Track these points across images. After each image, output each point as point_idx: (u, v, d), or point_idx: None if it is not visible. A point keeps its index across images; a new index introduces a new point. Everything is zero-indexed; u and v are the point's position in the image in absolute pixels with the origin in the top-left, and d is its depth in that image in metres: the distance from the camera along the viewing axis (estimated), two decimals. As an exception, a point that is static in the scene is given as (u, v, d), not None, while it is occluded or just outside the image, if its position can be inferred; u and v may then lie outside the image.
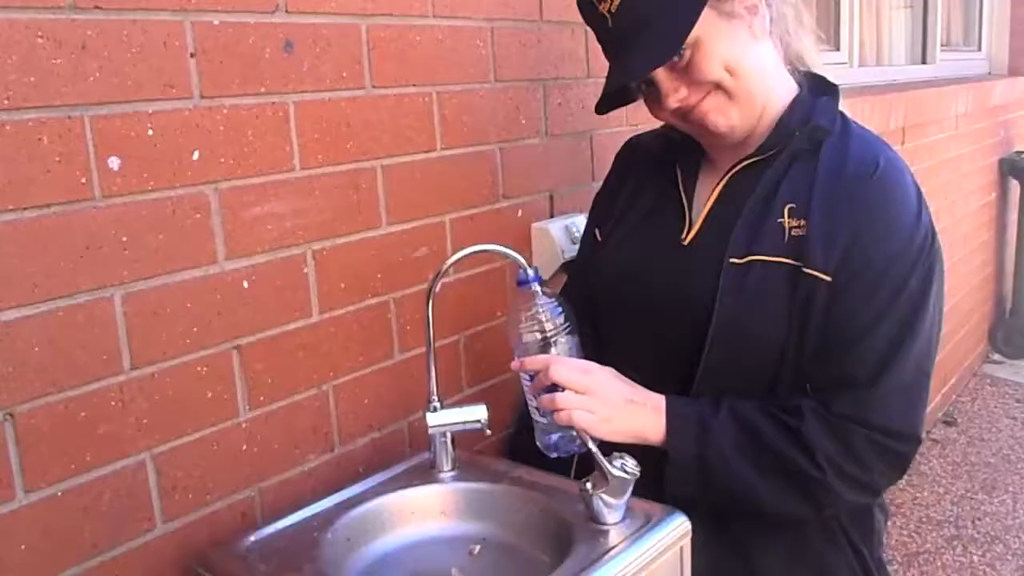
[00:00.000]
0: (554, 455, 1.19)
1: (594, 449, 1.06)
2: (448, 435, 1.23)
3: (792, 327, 1.13)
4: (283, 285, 1.21)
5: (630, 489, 1.06)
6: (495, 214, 1.53)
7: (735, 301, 1.15)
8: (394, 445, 1.40)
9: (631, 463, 1.05)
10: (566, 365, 1.13)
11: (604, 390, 1.14)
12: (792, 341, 1.13)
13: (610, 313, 1.32)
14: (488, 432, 1.21)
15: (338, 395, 1.30)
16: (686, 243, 1.23)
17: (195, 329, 1.12)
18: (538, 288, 1.16)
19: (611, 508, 1.06)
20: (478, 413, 1.22)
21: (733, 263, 1.15)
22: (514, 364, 1.17)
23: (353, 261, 1.30)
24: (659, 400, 1.17)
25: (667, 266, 1.24)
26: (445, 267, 1.18)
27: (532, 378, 1.15)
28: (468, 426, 1.22)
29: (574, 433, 1.13)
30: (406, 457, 1.30)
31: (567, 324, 1.16)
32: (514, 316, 1.17)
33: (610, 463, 1.05)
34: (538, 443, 1.18)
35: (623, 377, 1.18)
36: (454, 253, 1.42)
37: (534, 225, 1.60)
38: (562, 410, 1.11)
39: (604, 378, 1.16)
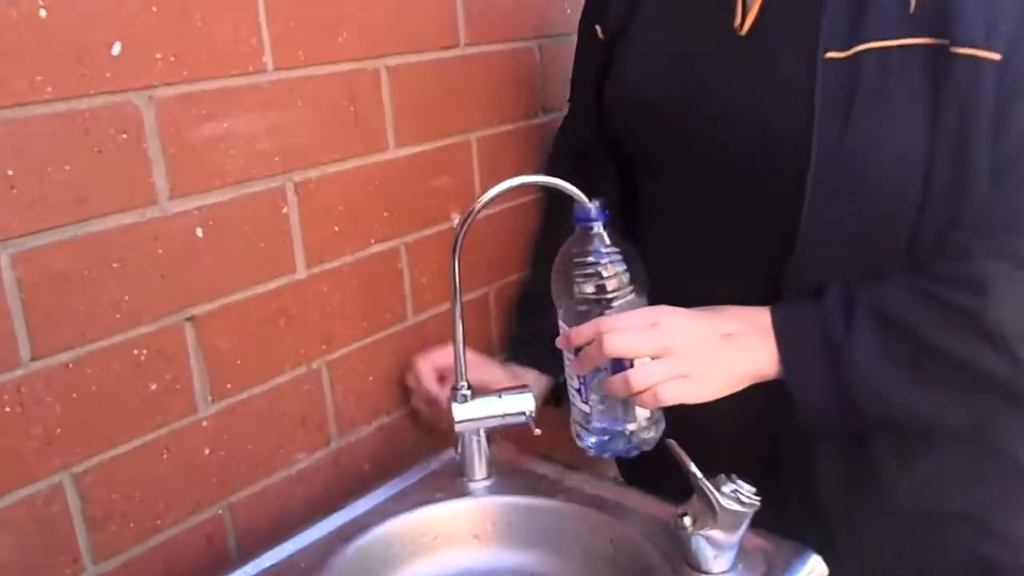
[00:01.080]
0: (595, 454, 0.87)
1: (695, 472, 0.74)
2: (482, 433, 0.91)
3: (940, 145, 0.77)
4: (254, 232, 0.88)
5: (746, 525, 0.74)
6: (534, 131, 1.18)
7: (842, 116, 0.78)
8: (407, 431, 1.09)
9: (747, 490, 0.74)
10: (624, 325, 0.80)
11: (687, 338, 0.80)
12: (940, 168, 0.77)
13: (634, 162, 0.98)
14: (537, 431, 0.89)
15: (334, 373, 0.99)
16: (744, 32, 0.86)
17: (127, 298, 0.79)
18: (602, 230, 0.82)
19: (718, 551, 0.75)
20: (521, 403, 0.91)
21: (832, 58, 0.79)
22: (560, 341, 0.84)
23: (350, 196, 0.97)
24: (761, 318, 0.83)
25: (720, 67, 0.87)
26: (477, 207, 0.85)
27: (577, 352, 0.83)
28: (508, 420, 0.91)
29: (634, 427, 0.82)
30: (424, 456, 0.99)
31: (632, 286, 0.84)
32: (562, 268, 0.84)
33: (717, 488, 0.74)
34: (578, 439, 0.87)
35: (688, 311, 0.84)
36: (481, 182, 1.10)
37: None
38: (644, 391, 0.79)
39: (678, 322, 0.81)
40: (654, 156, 0.95)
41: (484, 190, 1.08)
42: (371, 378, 1.03)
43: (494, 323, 1.19)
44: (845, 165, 0.79)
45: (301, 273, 0.94)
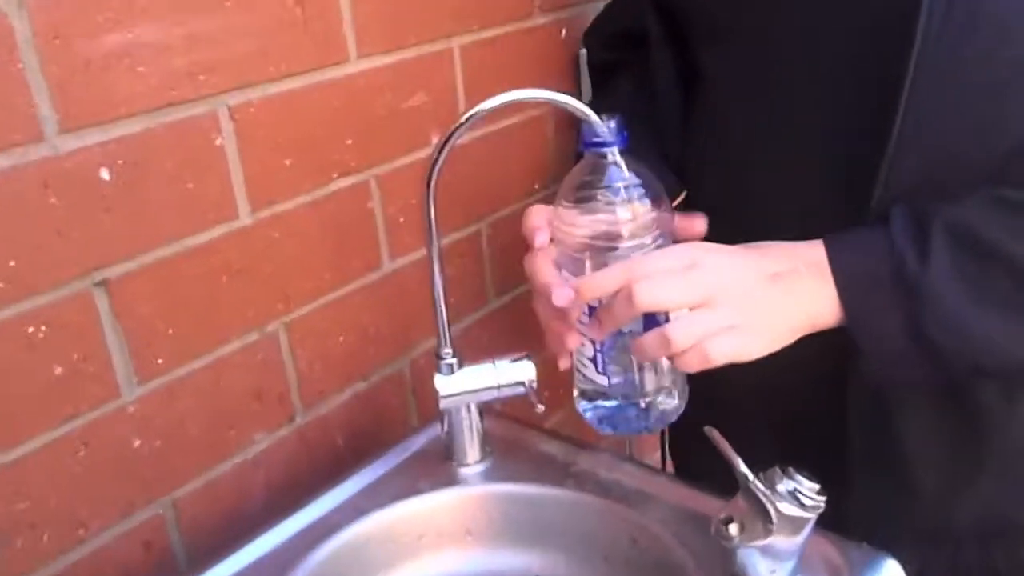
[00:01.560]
0: (611, 432, 0.72)
1: (742, 471, 0.58)
2: (473, 408, 0.75)
3: None
4: (178, 171, 0.71)
5: (807, 531, 0.59)
6: (526, 36, 0.99)
7: None
8: (389, 397, 0.93)
9: (808, 487, 0.58)
10: (657, 269, 0.63)
11: (731, 281, 0.64)
12: None
13: (700, 52, 0.80)
14: (540, 407, 0.73)
15: (295, 336, 0.82)
16: None
17: (12, 263, 0.62)
18: (618, 157, 0.64)
19: (773, 565, 0.59)
20: (520, 371, 0.74)
21: None
22: (558, 295, 0.66)
23: (303, 121, 0.79)
24: (813, 252, 0.66)
25: None
26: (458, 128, 0.67)
27: (591, 312, 0.66)
28: (504, 393, 0.74)
29: (653, 396, 0.67)
30: (411, 432, 0.83)
31: (657, 231, 0.66)
32: (569, 204, 0.67)
33: (771, 487, 0.58)
34: (589, 415, 0.71)
35: (727, 247, 0.67)
36: (467, 98, 0.92)
37: (582, 52, 1.06)
38: (687, 352, 0.63)
39: (719, 260, 0.65)
40: (733, 31, 0.75)
41: (471, 107, 0.90)
42: (341, 338, 0.87)
43: (488, 264, 1.02)
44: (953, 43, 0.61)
45: (245, 219, 0.76)
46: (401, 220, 0.90)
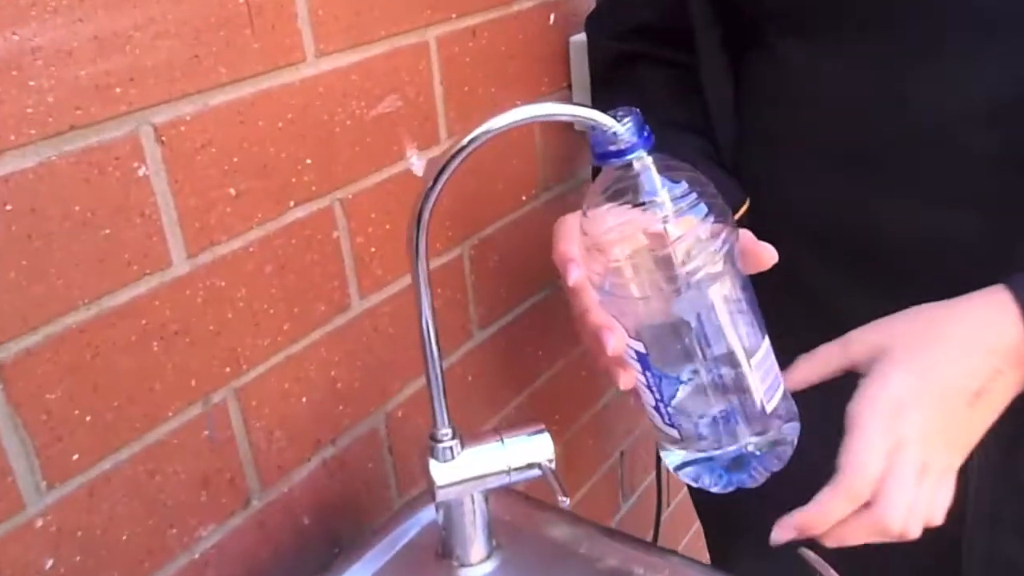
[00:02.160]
0: (718, 489, 0.56)
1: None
2: (477, 497, 0.61)
3: None
4: (89, 210, 0.54)
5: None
6: (511, 22, 0.84)
7: None
8: (362, 461, 0.78)
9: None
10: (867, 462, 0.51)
11: (933, 436, 0.52)
12: None
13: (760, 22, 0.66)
14: (564, 500, 0.58)
15: (248, 403, 0.67)
16: None
17: None
18: (648, 160, 0.49)
19: None
20: (535, 449, 0.59)
21: None
22: (613, 346, 0.51)
23: (250, 138, 0.63)
24: (1011, 333, 0.52)
25: None
26: (460, 153, 0.51)
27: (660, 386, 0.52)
28: (515, 478, 0.60)
29: (761, 438, 0.52)
30: (398, 515, 0.68)
31: (724, 243, 0.50)
32: (593, 236, 0.51)
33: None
34: (689, 478, 0.56)
35: (921, 365, 0.52)
36: (447, 100, 0.77)
37: (574, 39, 0.92)
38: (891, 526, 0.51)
39: (923, 419, 0.51)
40: (846, 16, 0.61)
41: (452, 111, 0.75)
42: (304, 399, 0.71)
43: (471, 293, 0.87)
44: None
45: (180, 266, 0.60)
46: (372, 250, 0.75)
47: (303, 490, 0.73)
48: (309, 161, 0.67)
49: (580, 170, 0.98)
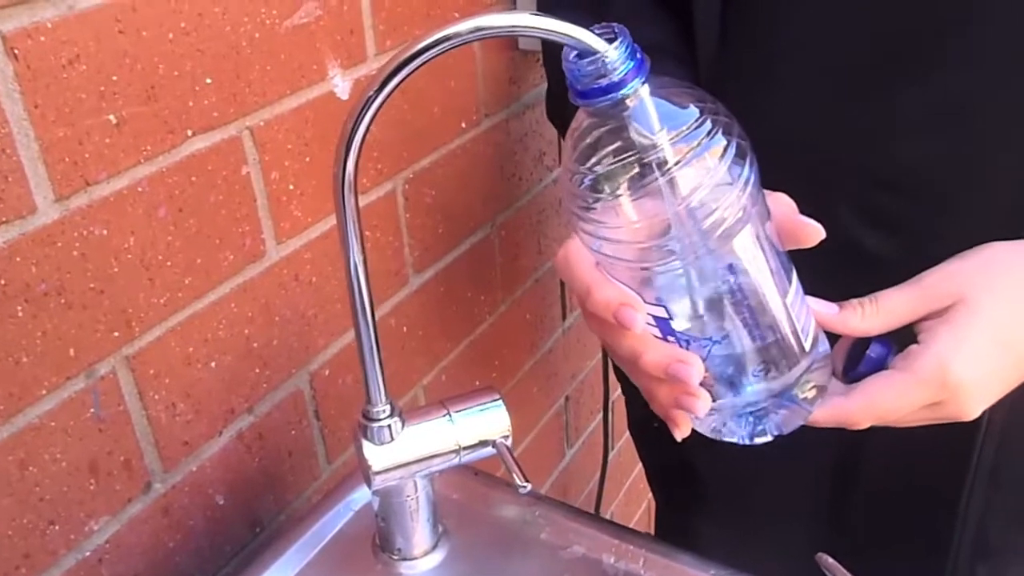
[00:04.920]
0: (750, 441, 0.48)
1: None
2: (419, 483, 0.52)
3: None
4: (-82, 147, 0.42)
5: None
6: (450, -81, 0.72)
7: None
8: (285, 428, 0.68)
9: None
10: (901, 417, 0.45)
11: (982, 399, 0.46)
12: None
13: None
14: (524, 485, 0.49)
15: (143, 373, 0.56)
16: None
17: None
18: (646, 94, 0.38)
19: None
20: (488, 423, 0.51)
21: None
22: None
23: (134, 53, 0.51)
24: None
25: None
26: (404, 67, 0.41)
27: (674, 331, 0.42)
28: (465, 458, 0.51)
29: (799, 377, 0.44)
30: (328, 502, 0.58)
31: (755, 194, 0.40)
32: (594, 197, 0.40)
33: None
34: (719, 432, 0.47)
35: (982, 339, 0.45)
36: (374, 6, 0.66)
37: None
38: None
39: (970, 386, 0.45)
40: None
41: (381, 23, 0.64)
42: (213, 364, 0.61)
43: (406, 234, 0.76)
44: None
45: (48, 212, 0.48)
46: (290, 188, 0.64)
47: (216, 467, 0.63)
48: (209, 81, 0.56)
49: (524, 93, 0.88)
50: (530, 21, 0.38)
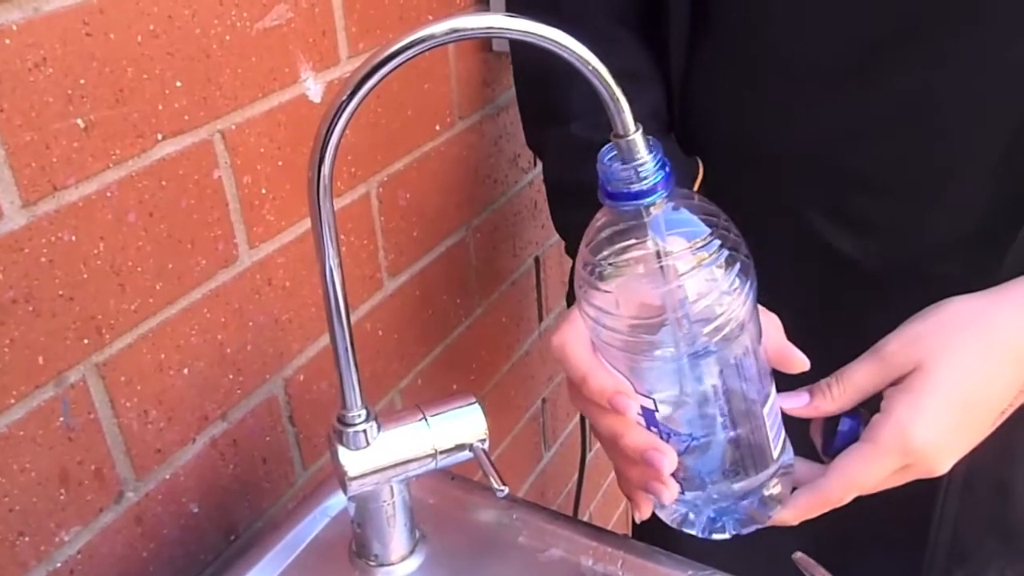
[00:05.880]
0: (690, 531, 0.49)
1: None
2: (395, 488, 0.51)
3: None
4: None
5: None
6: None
7: None
8: (259, 434, 0.68)
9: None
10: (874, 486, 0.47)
11: (947, 459, 0.48)
12: None
13: None
14: (501, 489, 0.49)
15: (114, 380, 0.55)
16: None
17: None
18: (669, 208, 0.40)
19: None
20: (466, 427, 0.50)
21: None
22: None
23: (103, 56, 0.50)
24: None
25: None
26: (380, 68, 0.40)
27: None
28: (443, 462, 0.51)
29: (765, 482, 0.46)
30: (302, 509, 0.58)
31: (751, 309, 0.43)
32: (600, 283, 0.42)
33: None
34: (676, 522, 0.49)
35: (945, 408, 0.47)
36: (346, 8, 0.65)
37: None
38: None
39: (936, 451, 0.47)
40: None
41: (353, 25, 0.64)
42: (186, 370, 0.60)
43: (380, 238, 0.76)
44: None
45: (14, 218, 0.48)
46: (263, 191, 0.63)
47: (189, 475, 0.62)
48: (179, 84, 0.55)
49: (498, 95, 0.88)
50: (506, 23, 0.38)
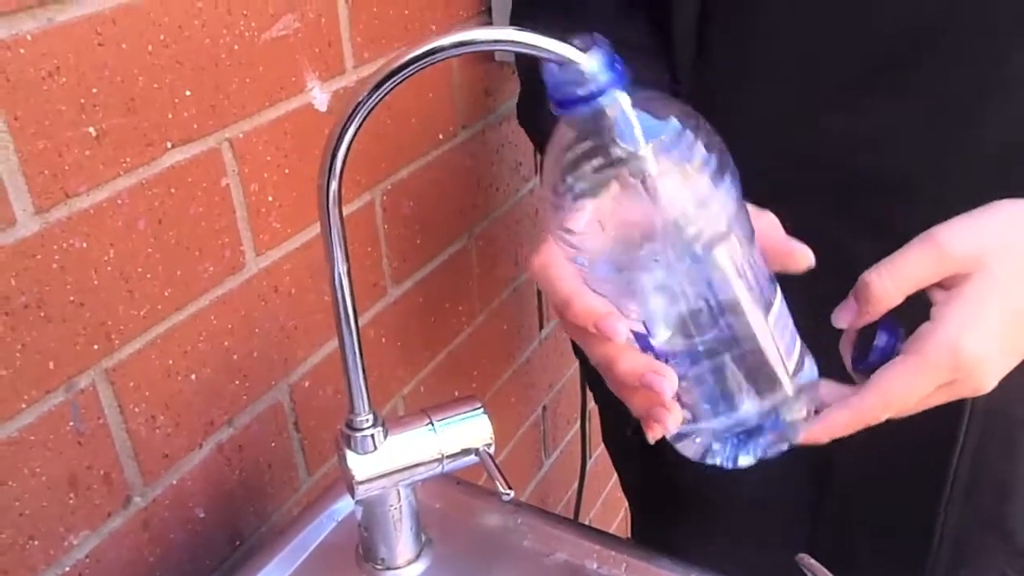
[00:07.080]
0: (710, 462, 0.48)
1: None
2: (402, 492, 0.52)
3: None
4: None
5: None
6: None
7: None
8: (264, 440, 0.68)
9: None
10: (916, 402, 0.44)
11: (995, 373, 0.45)
12: None
13: None
14: (507, 492, 0.50)
15: (123, 385, 0.56)
16: None
17: None
18: (626, 102, 0.37)
19: None
20: (472, 432, 0.51)
21: None
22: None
23: (113, 65, 0.51)
24: None
25: None
26: (390, 79, 0.41)
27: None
28: (449, 466, 0.51)
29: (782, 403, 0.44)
30: (309, 512, 0.58)
31: (736, 208, 0.40)
32: (573, 200, 0.40)
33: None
34: (701, 455, 0.47)
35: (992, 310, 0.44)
36: (352, 18, 0.66)
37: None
38: None
39: (988, 362, 0.44)
40: None
41: (359, 35, 0.64)
42: (193, 376, 0.61)
43: (385, 246, 0.77)
44: None
45: (27, 225, 0.48)
46: (269, 199, 0.64)
47: (196, 480, 0.62)
48: (189, 93, 0.56)
49: (501, 104, 0.89)
50: (514, 36, 0.38)
